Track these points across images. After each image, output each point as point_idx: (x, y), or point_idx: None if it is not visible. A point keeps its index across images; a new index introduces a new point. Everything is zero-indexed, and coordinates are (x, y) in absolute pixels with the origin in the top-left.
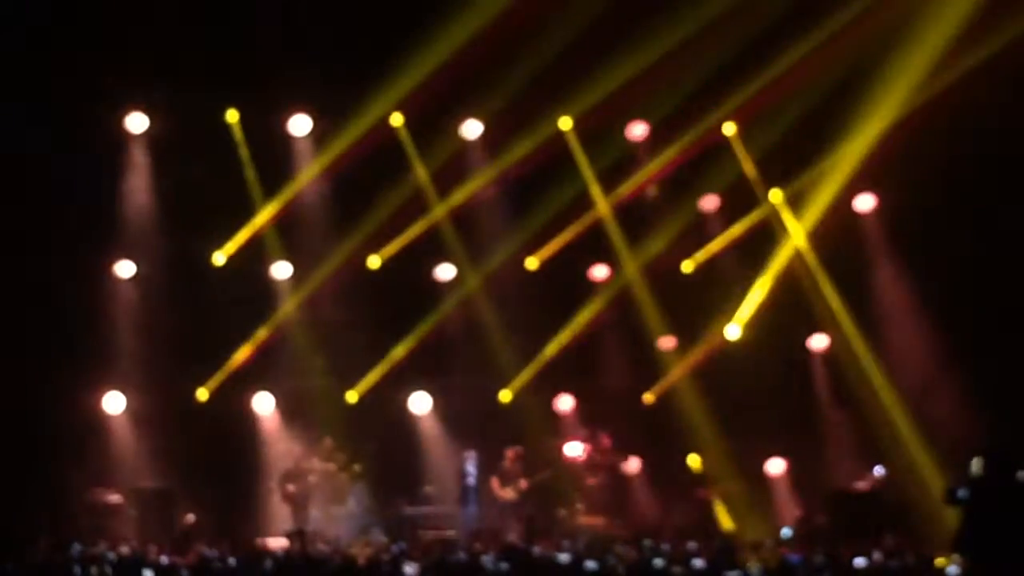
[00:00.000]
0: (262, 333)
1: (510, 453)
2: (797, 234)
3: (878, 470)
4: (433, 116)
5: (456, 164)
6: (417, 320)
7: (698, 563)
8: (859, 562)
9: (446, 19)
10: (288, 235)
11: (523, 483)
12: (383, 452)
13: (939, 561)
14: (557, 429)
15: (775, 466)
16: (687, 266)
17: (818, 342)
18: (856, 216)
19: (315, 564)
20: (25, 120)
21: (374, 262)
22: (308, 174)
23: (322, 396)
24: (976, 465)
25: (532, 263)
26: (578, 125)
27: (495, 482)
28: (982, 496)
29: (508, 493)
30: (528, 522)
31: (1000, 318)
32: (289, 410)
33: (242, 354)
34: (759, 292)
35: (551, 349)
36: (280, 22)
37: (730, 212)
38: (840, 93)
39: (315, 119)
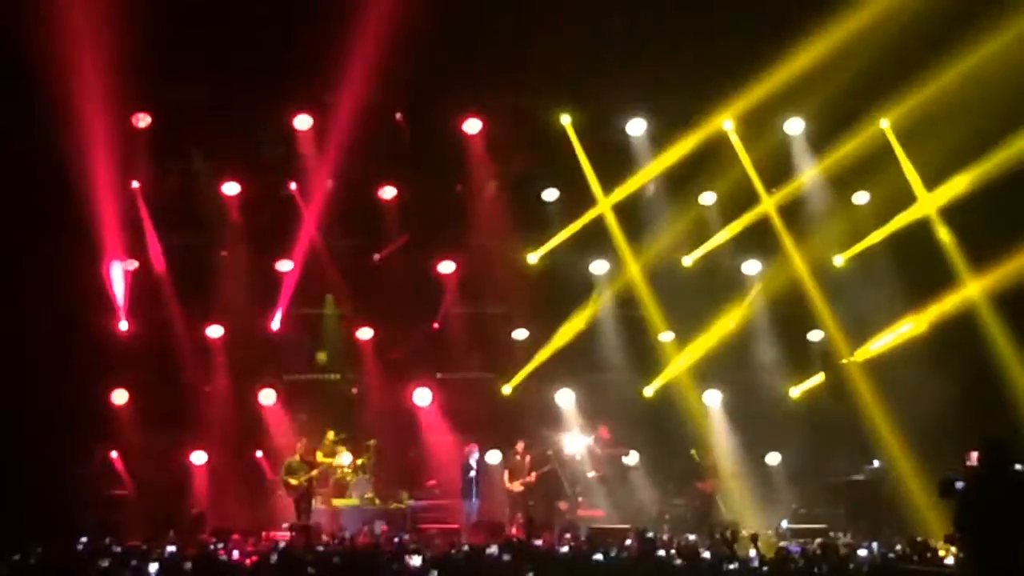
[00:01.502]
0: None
1: (519, 446)
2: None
3: (875, 463)
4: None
5: None
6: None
7: (699, 553)
8: (861, 553)
9: None
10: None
11: (531, 476)
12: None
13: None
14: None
15: (773, 459)
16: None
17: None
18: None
19: (319, 557)
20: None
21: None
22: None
23: (325, 390)
24: (972, 457)
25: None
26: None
27: (506, 475)
28: (978, 487)
29: (517, 486)
30: (528, 517)
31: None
32: (293, 404)
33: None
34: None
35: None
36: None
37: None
38: None
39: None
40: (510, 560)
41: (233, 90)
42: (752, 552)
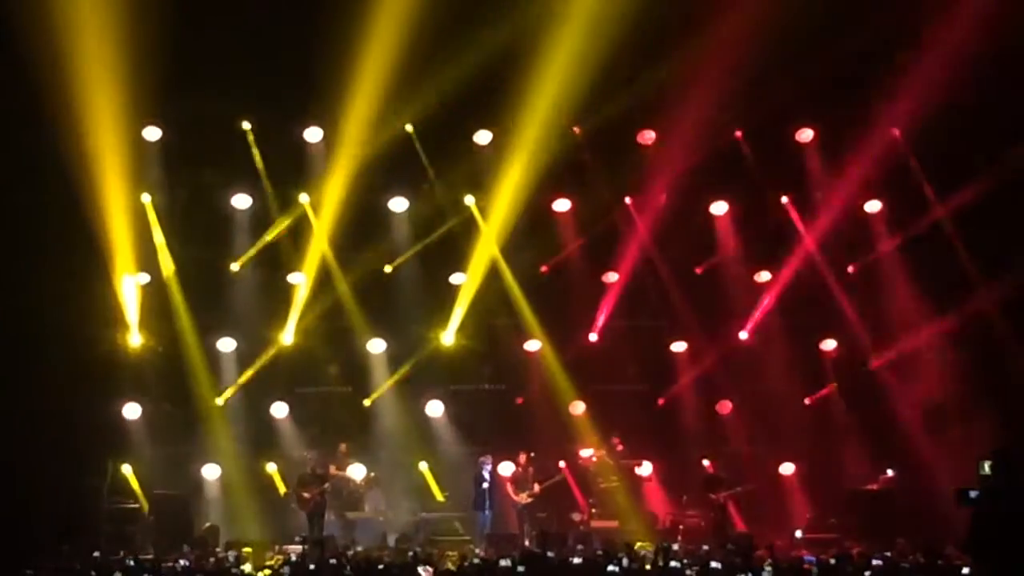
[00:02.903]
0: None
1: (522, 457)
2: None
3: (889, 472)
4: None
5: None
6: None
7: (713, 564)
8: (875, 563)
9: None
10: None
11: (536, 487)
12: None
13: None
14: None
15: (787, 468)
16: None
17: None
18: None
19: (333, 569)
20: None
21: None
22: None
23: (337, 402)
24: (986, 466)
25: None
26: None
27: (510, 486)
28: (992, 497)
29: (522, 497)
30: (541, 530)
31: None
32: (305, 417)
33: (259, 362)
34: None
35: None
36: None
37: None
38: None
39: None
40: (523, 572)
41: (243, 102)
42: (767, 563)
